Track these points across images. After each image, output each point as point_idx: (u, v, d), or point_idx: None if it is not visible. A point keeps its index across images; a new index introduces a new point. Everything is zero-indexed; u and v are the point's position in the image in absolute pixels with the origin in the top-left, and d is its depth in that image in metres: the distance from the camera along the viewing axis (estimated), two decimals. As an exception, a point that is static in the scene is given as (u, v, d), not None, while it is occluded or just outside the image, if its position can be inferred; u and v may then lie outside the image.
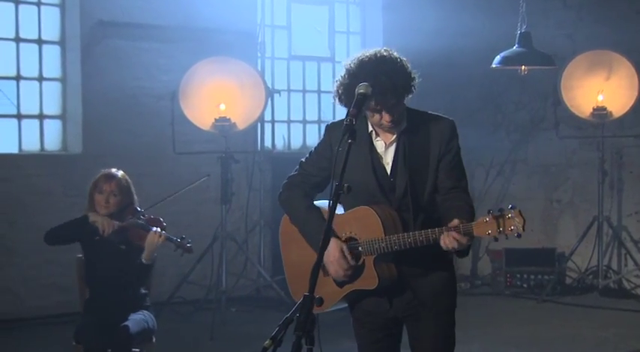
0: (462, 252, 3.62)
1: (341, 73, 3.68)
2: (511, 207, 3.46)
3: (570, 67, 8.56)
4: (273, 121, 9.16)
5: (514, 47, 7.28)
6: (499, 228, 3.44)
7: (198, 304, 8.07)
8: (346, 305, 3.91)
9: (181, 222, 8.37)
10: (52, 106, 8.17)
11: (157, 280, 8.03)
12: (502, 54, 7.34)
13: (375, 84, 3.51)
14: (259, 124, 8.76)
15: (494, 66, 7.37)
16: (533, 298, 8.72)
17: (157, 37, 8.33)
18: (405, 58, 3.68)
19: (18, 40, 7.93)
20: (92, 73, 8.05)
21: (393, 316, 3.81)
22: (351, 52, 9.84)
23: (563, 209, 9.55)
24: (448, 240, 3.51)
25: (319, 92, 9.70)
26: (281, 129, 9.44)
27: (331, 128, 3.85)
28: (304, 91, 9.62)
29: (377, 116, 3.65)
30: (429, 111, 3.86)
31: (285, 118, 9.48)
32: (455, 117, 9.70)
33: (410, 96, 3.67)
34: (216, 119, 7.64)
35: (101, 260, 5.31)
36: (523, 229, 3.42)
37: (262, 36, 8.92)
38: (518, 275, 9.08)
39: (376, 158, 3.74)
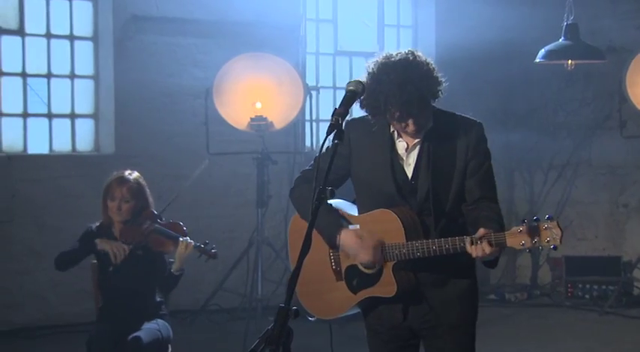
0: (492, 262, 3.56)
1: (365, 75, 3.57)
2: (548, 218, 3.40)
3: (637, 60, 8.26)
4: (317, 120, 9.05)
5: (559, 40, 7.05)
6: (534, 240, 3.38)
7: (235, 312, 8.03)
8: (359, 310, 3.87)
9: (218, 227, 8.37)
10: (84, 105, 8.20)
11: (194, 287, 8.09)
12: (546, 48, 7.12)
13: (402, 93, 3.44)
14: (301, 123, 8.68)
15: (538, 60, 7.16)
16: (595, 310, 8.46)
17: (194, 32, 8.30)
18: (431, 61, 3.59)
19: (49, 36, 7.98)
20: (126, 70, 8.06)
21: (408, 327, 3.76)
22: (402, 48, 9.69)
23: (630, 214, 9.26)
24: (478, 251, 3.44)
25: (368, 89, 9.54)
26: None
27: (351, 125, 3.81)
28: (351, 89, 9.48)
29: (401, 124, 3.58)
30: (457, 113, 3.80)
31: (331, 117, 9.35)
32: (512, 115, 9.52)
33: (436, 100, 3.62)
34: (252, 118, 7.58)
35: (116, 267, 5.29)
36: (560, 241, 3.36)
37: (304, 30, 8.82)
38: (580, 286, 8.84)
39: (396, 160, 3.69)
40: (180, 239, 5.21)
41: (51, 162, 7.91)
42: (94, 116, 8.23)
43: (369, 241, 3.61)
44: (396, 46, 9.64)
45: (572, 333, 7.78)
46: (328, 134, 3.23)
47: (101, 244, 5.26)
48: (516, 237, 3.38)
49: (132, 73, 8.07)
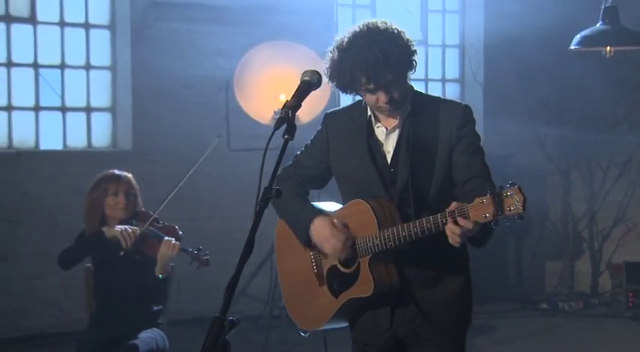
0: (476, 240, 3.40)
1: (331, 48, 3.54)
2: (510, 184, 3.23)
3: None
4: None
5: (597, 24, 6.68)
6: (496, 210, 3.20)
7: (258, 320, 7.88)
8: (347, 324, 3.79)
9: (243, 228, 8.14)
10: (100, 98, 8.16)
11: (215, 292, 7.92)
12: (582, 33, 6.75)
13: (367, 54, 3.37)
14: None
15: (572, 47, 6.82)
16: (658, 322, 8.22)
17: (218, 19, 8.18)
18: (404, 31, 3.49)
19: (63, 24, 7.94)
20: (144, 60, 7.99)
21: (393, 336, 3.65)
22: (448, 35, 9.45)
23: (699, 216, 8.92)
24: (448, 231, 3.28)
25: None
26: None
27: (330, 117, 3.78)
28: (391, 79, 9.26)
29: (372, 97, 3.49)
30: (440, 97, 3.72)
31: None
32: (568, 107, 9.13)
33: (411, 72, 3.50)
34: (275, 111, 7.44)
35: (113, 271, 5.23)
36: (523, 208, 3.18)
37: (336, 16, 8.63)
38: (643, 295, 8.54)
39: (376, 146, 3.62)
40: (165, 238, 5.09)
41: (65, 158, 7.86)
42: (111, 110, 8.18)
43: (344, 231, 3.54)
44: (442, 33, 9.38)
45: (629, 347, 7.57)
46: (276, 128, 3.14)
47: (109, 232, 5.16)
48: (479, 210, 3.22)
49: (151, 64, 7.99)
